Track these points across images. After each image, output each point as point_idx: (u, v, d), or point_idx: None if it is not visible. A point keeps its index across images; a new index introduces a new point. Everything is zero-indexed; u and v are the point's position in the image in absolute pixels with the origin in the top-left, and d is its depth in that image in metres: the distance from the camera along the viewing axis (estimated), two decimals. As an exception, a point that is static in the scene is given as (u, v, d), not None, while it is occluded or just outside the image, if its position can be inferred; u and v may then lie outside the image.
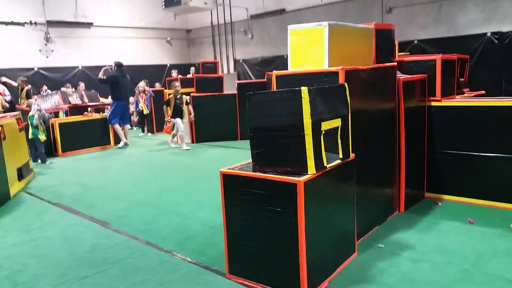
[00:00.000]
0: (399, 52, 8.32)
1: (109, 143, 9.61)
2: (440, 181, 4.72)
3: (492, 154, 4.35)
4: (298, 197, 2.66)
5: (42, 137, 7.91)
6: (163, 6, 12.50)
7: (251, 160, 3.00)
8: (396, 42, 7.82)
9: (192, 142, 9.67)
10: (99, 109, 10.48)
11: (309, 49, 3.48)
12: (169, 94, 9.52)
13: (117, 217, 4.70)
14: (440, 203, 4.60)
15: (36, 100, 8.65)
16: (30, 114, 7.93)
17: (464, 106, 4.56)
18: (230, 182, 2.98)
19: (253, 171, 2.90)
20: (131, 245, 3.89)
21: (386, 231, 3.87)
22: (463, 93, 5.65)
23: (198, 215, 4.63)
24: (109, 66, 9.66)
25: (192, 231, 4.15)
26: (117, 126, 9.51)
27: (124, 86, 9.62)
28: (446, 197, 4.70)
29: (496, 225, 3.92)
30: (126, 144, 9.62)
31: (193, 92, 9.85)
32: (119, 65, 9.61)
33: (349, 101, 3.10)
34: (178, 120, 8.90)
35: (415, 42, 10.31)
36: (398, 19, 10.61)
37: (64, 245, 3.96)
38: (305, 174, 2.72)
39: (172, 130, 9.09)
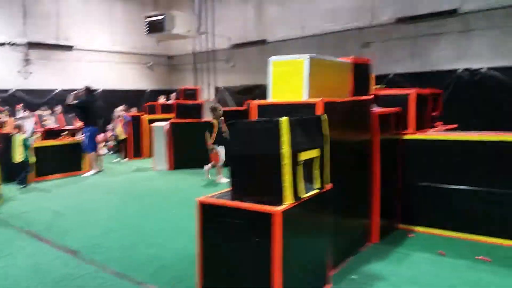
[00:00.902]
0: (376, 85, 8.59)
1: (84, 169, 9.37)
2: (413, 213, 4.83)
3: (461, 187, 4.50)
4: (274, 227, 2.68)
5: (33, 159, 7.80)
6: (146, 32, 12.61)
7: (229, 189, 3.02)
8: (373, 75, 8.10)
9: (171, 168, 9.60)
10: (74, 133, 10.32)
11: (289, 80, 3.59)
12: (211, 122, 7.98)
13: (90, 245, 4.58)
14: (412, 234, 4.68)
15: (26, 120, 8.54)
16: (23, 136, 7.82)
17: (435, 139, 4.73)
18: (207, 211, 2.98)
19: (232, 199, 2.92)
20: (102, 275, 3.79)
21: (360, 262, 3.90)
22: (436, 127, 5.86)
23: (174, 243, 4.56)
24: (79, 90, 9.34)
25: (167, 261, 4.07)
26: (93, 154, 9.25)
27: (96, 112, 9.38)
28: (418, 228, 4.79)
29: (465, 256, 4.01)
30: (100, 171, 9.42)
31: (173, 117, 9.86)
32: (89, 89, 9.30)
33: (327, 132, 3.18)
34: (221, 148, 7.76)
35: (391, 75, 10.67)
36: (375, 53, 10.96)
37: (33, 275, 3.83)
38: (282, 204, 2.76)
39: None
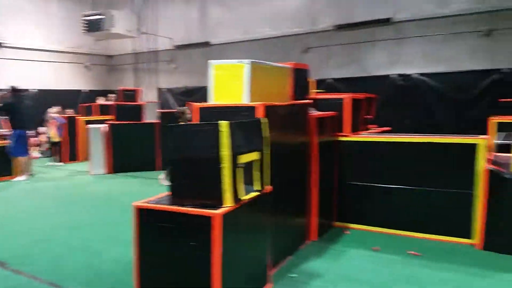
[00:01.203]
0: (316, 89, 8.88)
1: (15, 174, 8.79)
2: (349, 211, 5.06)
3: (391, 186, 4.79)
4: (214, 230, 2.69)
5: None
6: (84, 31, 12.10)
7: (168, 193, 2.99)
8: (313, 80, 8.38)
9: (109, 172, 9.28)
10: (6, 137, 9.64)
11: (230, 83, 3.62)
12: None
13: (18, 255, 4.30)
14: (348, 232, 4.90)
15: None
16: None
17: (369, 141, 4.99)
18: (144, 216, 2.93)
19: (171, 204, 2.89)
20: (33, 286, 3.59)
21: (299, 261, 4.03)
22: (370, 129, 6.18)
23: (110, 251, 4.41)
24: (5, 91, 8.74)
25: (102, 270, 3.93)
26: (23, 158, 8.68)
27: (24, 113, 8.75)
28: (354, 225, 5.03)
29: (397, 251, 4.27)
30: (30, 176, 8.88)
31: (112, 119, 9.54)
32: (15, 90, 8.70)
33: (266, 135, 3.26)
34: None
35: (330, 80, 11.08)
36: (315, 59, 11.35)
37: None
38: (221, 207, 2.78)
39: None
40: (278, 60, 4.46)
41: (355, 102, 5.22)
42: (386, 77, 10.37)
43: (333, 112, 4.94)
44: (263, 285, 3.38)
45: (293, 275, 3.70)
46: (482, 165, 4.29)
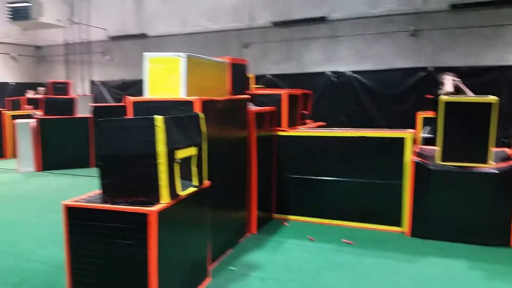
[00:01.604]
0: (255, 84, 8.96)
1: None
2: (287, 203, 5.19)
3: (327, 178, 4.97)
4: (150, 227, 2.64)
5: None
6: (8, 19, 11.23)
7: (100, 191, 2.88)
8: (252, 75, 8.45)
9: (39, 170, 8.73)
10: None
11: (166, 77, 3.55)
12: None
13: None
14: (286, 223, 5.03)
15: None
16: None
17: (305, 136, 5.14)
18: (75, 216, 2.80)
19: (103, 202, 2.79)
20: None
21: (238, 253, 4.07)
22: (307, 124, 6.36)
23: (38, 253, 4.15)
24: None
25: (30, 272, 3.70)
26: None
27: None
28: (291, 217, 5.17)
29: (332, 240, 4.44)
30: None
31: (41, 114, 8.97)
32: None
33: (204, 129, 3.24)
34: None
35: (269, 76, 11.24)
36: (254, 54, 11.45)
37: None
38: (158, 204, 2.73)
39: None
40: (218, 55, 4.44)
41: (292, 98, 5.35)
42: (322, 73, 10.71)
43: (271, 107, 5.02)
44: (202, 280, 3.38)
45: (233, 268, 3.73)
46: (409, 157, 4.58)
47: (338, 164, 4.93)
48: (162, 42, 12.77)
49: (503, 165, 4.22)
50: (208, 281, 3.43)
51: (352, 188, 4.88)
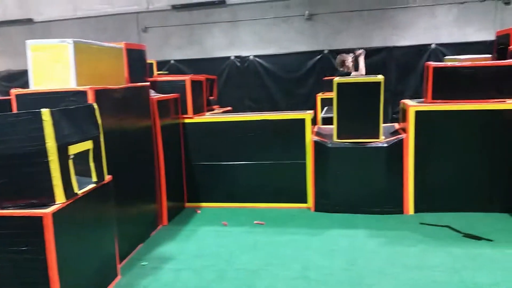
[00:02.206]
0: (157, 71, 8.66)
1: None
2: (198, 191, 5.15)
3: (235, 163, 5.02)
4: (46, 231, 2.43)
5: None
6: None
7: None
8: (154, 61, 8.14)
9: None
10: None
11: (53, 66, 3.25)
12: None
13: None
14: (199, 211, 5.00)
15: None
16: None
17: (211, 121, 5.11)
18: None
19: (-14, 207, 2.49)
20: None
21: (150, 247, 3.95)
22: (213, 110, 6.33)
23: None
24: None
25: None
26: None
27: None
28: (204, 204, 5.15)
29: (244, 223, 4.52)
30: None
31: None
32: None
33: (100, 121, 3.03)
34: None
35: (172, 61, 10.93)
36: (155, 39, 11.03)
37: None
38: (53, 205, 2.52)
39: None
40: (115, 40, 4.19)
41: (197, 84, 5.26)
42: (226, 58, 10.69)
43: (175, 94, 4.89)
44: (112, 279, 3.22)
45: (144, 263, 3.61)
46: (309, 137, 4.80)
47: (246, 148, 4.99)
48: (51, 28, 11.68)
49: (392, 138, 4.62)
50: (118, 279, 3.28)
51: (261, 170, 4.98)
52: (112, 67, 3.77)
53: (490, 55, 5.14)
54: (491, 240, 3.79)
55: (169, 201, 4.59)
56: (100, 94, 3.22)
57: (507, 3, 9.36)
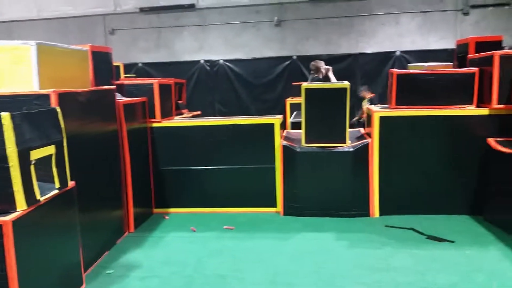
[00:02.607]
0: (125, 74, 8.51)
1: None
2: (166, 196, 5.07)
3: (204, 167, 4.98)
4: (6, 239, 2.33)
5: None
6: None
7: None
8: (121, 64, 8.00)
9: None
10: None
11: (15, 69, 3.13)
12: None
13: None
14: (167, 217, 4.93)
15: None
16: None
17: (179, 126, 5.06)
18: None
19: None
20: None
21: (116, 255, 3.86)
22: (182, 114, 6.28)
23: None
24: None
25: None
26: None
27: None
28: (172, 210, 5.08)
29: (214, 229, 4.49)
30: None
31: None
32: None
33: (63, 125, 2.95)
34: None
35: (140, 64, 10.77)
36: (122, 42, 10.86)
37: None
38: (14, 212, 2.42)
39: None
40: (81, 42, 4.08)
41: (165, 87, 5.20)
42: (196, 62, 10.65)
43: (142, 98, 4.81)
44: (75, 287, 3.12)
45: (110, 271, 3.53)
46: (278, 141, 4.84)
47: (215, 153, 4.97)
48: (13, 29, 11.31)
49: (358, 143, 4.72)
50: (82, 288, 3.19)
51: (230, 175, 4.97)
52: (76, 70, 3.68)
53: (451, 63, 5.36)
54: (452, 242, 3.93)
55: (136, 207, 4.50)
56: (63, 98, 3.13)
57: (466, 14, 9.79)
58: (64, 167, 2.93)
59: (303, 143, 4.74)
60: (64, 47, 3.52)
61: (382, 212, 4.70)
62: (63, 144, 2.92)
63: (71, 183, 3.02)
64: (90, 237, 3.51)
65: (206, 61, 10.61)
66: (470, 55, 5.08)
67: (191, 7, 10.53)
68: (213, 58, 10.59)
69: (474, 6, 9.74)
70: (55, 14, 11.16)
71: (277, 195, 4.92)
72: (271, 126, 4.88)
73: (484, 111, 4.47)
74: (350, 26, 10.23)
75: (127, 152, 4.33)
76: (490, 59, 4.35)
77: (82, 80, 3.74)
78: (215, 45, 10.70)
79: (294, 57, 10.21)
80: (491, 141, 4.30)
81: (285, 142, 4.81)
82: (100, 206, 3.90)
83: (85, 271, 3.32)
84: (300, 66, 10.14)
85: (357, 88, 8.28)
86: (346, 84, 4.63)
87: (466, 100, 4.57)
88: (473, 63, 4.83)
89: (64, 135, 2.92)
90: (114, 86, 4.22)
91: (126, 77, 8.13)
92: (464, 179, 4.58)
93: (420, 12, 9.94)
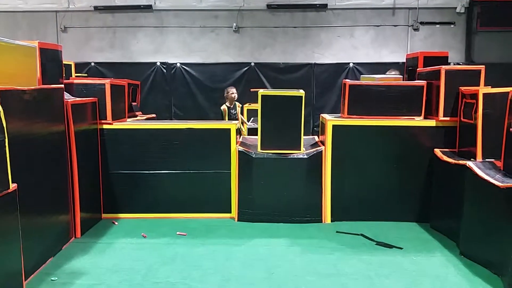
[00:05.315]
0: (76, 73, 8.18)
1: None
2: (116, 201, 4.89)
3: (157, 172, 4.87)
4: None
5: None
6: None
7: None
8: (73, 63, 7.69)
9: None
10: None
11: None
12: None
13: None
14: (116, 223, 4.75)
15: None
16: None
17: (132, 128, 4.91)
18: None
19: None
20: None
21: (60, 261, 3.67)
22: (136, 116, 6.11)
23: None
24: None
25: None
26: None
27: None
28: (122, 215, 4.90)
29: (166, 235, 4.38)
30: None
31: None
32: None
33: (4, 124, 2.77)
34: None
35: (92, 64, 10.39)
36: (75, 40, 10.46)
37: None
38: None
39: None
40: (31, 38, 3.87)
41: (117, 88, 5.03)
42: (152, 64, 10.42)
43: (93, 98, 4.63)
44: (13, 298, 2.92)
45: (54, 279, 3.35)
46: (234, 147, 4.82)
47: (169, 157, 4.86)
48: (-46, 20, 10.57)
49: (312, 150, 4.80)
50: (21, 298, 2.99)
51: (184, 180, 4.88)
52: (22, 67, 3.47)
53: (401, 76, 5.58)
54: (401, 248, 4.06)
55: (82, 212, 4.31)
56: (6, 95, 2.95)
57: (416, 29, 10.28)
58: (5, 168, 2.75)
59: (259, 149, 4.75)
60: (8, 41, 3.32)
61: (334, 218, 4.79)
62: (4, 144, 2.74)
63: (12, 186, 2.84)
64: (33, 242, 3.32)
65: (162, 63, 10.41)
66: (419, 69, 5.32)
67: (148, 8, 10.32)
68: (170, 61, 10.41)
69: (423, 23, 10.25)
70: (3, 7, 10.56)
71: (232, 201, 4.89)
72: (227, 131, 4.85)
73: (431, 123, 4.68)
74: (307, 36, 10.43)
75: (74, 154, 4.15)
76: (437, 73, 4.58)
77: (28, 78, 3.54)
78: (172, 48, 10.54)
79: (252, 64, 10.26)
80: (438, 151, 4.51)
81: (241, 148, 4.80)
82: (44, 210, 3.70)
83: (26, 279, 3.13)
84: (258, 72, 10.20)
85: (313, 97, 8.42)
86: (301, 92, 4.70)
87: (415, 111, 4.77)
88: (421, 76, 5.07)
89: (5, 134, 2.75)
90: (62, 85, 4.03)
91: (77, 76, 7.82)
92: (411, 187, 4.77)
93: (374, 26, 10.32)
